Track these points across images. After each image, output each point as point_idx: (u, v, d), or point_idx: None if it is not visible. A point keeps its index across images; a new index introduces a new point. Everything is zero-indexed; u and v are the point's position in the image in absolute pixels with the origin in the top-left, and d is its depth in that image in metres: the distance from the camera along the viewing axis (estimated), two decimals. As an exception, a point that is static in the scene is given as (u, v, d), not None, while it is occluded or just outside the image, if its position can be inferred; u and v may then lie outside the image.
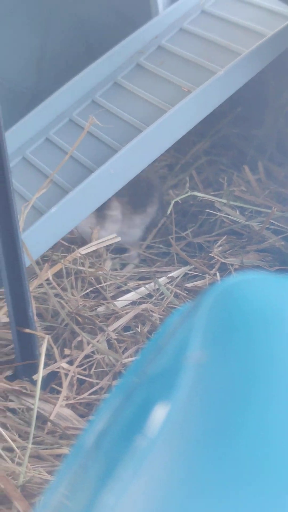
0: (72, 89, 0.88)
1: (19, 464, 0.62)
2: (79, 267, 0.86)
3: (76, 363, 0.73)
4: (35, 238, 0.75)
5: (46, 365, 0.74)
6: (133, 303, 0.83)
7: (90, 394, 0.71)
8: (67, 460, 0.39)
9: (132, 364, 0.44)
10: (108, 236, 0.89)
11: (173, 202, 0.89)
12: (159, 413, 0.36)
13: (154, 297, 0.83)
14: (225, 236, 0.89)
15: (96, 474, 0.36)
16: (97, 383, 0.72)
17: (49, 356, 0.77)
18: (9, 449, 0.64)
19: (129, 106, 0.84)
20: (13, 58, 1.11)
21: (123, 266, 0.93)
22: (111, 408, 0.40)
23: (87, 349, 0.74)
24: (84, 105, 0.88)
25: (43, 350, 0.68)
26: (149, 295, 0.84)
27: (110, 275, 0.87)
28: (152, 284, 0.85)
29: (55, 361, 0.75)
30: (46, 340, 0.70)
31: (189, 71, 0.85)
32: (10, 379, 0.74)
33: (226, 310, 0.41)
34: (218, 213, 0.91)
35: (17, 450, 0.63)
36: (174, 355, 0.41)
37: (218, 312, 0.42)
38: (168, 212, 0.89)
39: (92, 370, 0.74)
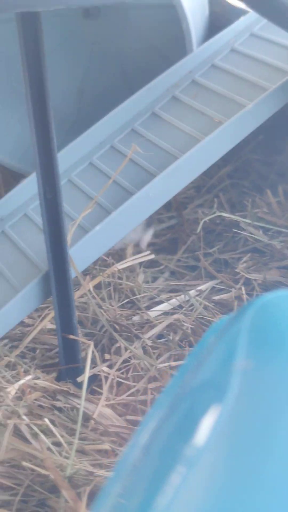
0: (113, 118, 0.90)
1: (66, 457, 0.64)
2: (116, 280, 0.88)
3: (116, 367, 0.74)
4: (81, 253, 0.77)
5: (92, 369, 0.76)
6: (165, 313, 0.85)
7: (127, 396, 0.73)
8: (119, 463, 0.39)
9: (175, 376, 0.44)
10: (142, 254, 0.91)
11: (202, 221, 0.91)
12: (207, 422, 0.36)
13: (184, 308, 0.85)
14: (249, 254, 0.91)
15: (147, 479, 0.36)
16: (134, 386, 0.74)
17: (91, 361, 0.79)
18: (57, 444, 0.66)
19: (166, 135, 0.86)
20: (58, 87, 1.14)
21: (154, 279, 0.95)
22: (157, 417, 0.40)
23: (125, 355, 0.76)
24: (124, 133, 0.90)
25: (89, 355, 0.70)
26: (180, 306, 0.86)
27: (144, 287, 0.89)
28: (182, 296, 0.86)
29: (95, 365, 0.77)
30: (91, 346, 0.72)
31: (220, 103, 0.86)
32: (55, 380, 0.77)
33: (267, 322, 0.42)
34: (243, 232, 0.93)
35: (65, 445, 0.65)
36: (218, 366, 0.42)
37: (260, 324, 0.43)
38: (198, 230, 0.91)
39: (129, 373, 0.76)
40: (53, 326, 0.85)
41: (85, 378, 0.68)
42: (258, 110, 0.82)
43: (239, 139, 0.82)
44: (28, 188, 0.88)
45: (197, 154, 0.80)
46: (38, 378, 0.72)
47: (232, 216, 0.92)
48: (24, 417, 0.65)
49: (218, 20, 1.00)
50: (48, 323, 0.84)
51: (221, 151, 0.81)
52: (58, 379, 0.77)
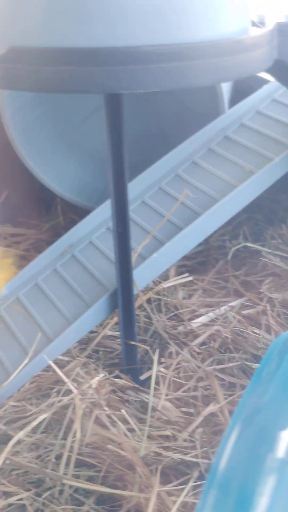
0: (161, 165, 0.96)
1: (138, 442, 0.70)
2: (161, 297, 0.94)
3: (171, 368, 0.80)
4: (141, 275, 0.82)
5: (147, 369, 0.82)
6: (204, 324, 0.90)
7: (181, 392, 0.78)
8: (211, 473, 0.37)
9: (246, 391, 0.42)
10: (182, 275, 0.97)
11: (232, 249, 0.97)
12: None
13: (219, 320, 0.90)
14: (270, 277, 0.96)
15: (238, 487, 0.34)
16: (186, 384, 0.79)
17: (144, 362, 0.84)
18: (130, 430, 0.71)
19: (205, 180, 0.92)
20: (100, 146, 1.19)
21: (190, 296, 1.01)
22: (237, 429, 0.38)
23: (178, 358, 0.81)
24: (170, 177, 0.96)
25: (156, 358, 0.75)
26: (216, 319, 0.91)
27: (184, 303, 0.95)
28: (217, 310, 0.92)
29: (150, 366, 0.82)
30: (157, 351, 0.77)
31: (250, 156, 0.92)
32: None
33: None
34: (264, 259, 0.99)
35: (138, 431, 0.70)
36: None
37: None
38: (229, 257, 0.97)
39: (181, 374, 0.81)
40: (113, 333, 0.90)
41: (152, 377, 0.73)
42: (283, 162, 0.88)
43: (267, 186, 0.88)
44: (92, 221, 0.94)
45: (235, 197, 0.86)
46: (111, 375, 0.77)
47: (256, 246, 0.98)
48: (106, 408, 0.70)
49: (242, 86, 1.06)
50: (108, 331, 0.89)
51: (253, 195, 0.87)
52: (119, 377, 0.82)
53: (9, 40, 0.57)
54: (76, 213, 1.17)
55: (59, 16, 0.55)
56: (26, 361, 0.79)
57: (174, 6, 0.54)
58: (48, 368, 0.80)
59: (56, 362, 0.79)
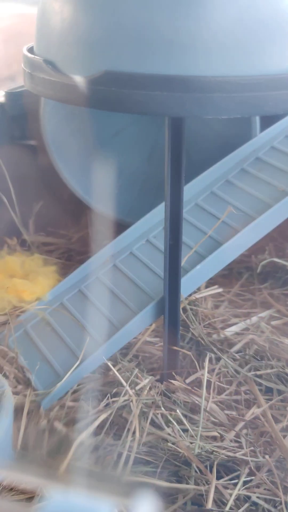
0: (196, 182, 1.00)
1: (191, 442, 0.73)
2: (193, 307, 0.98)
3: (215, 373, 0.84)
4: (185, 285, 0.86)
5: (187, 373, 0.85)
6: (237, 333, 0.94)
7: (225, 395, 0.82)
8: None
9: None
10: (212, 287, 1.01)
11: (261, 264, 1.01)
12: None
13: (250, 330, 0.95)
14: (295, 291, 1.02)
15: None
16: (228, 388, 0.83)
17: (182, 367, 0.88)
18: (183, 430, 0.74)
19: (240, 198, 0.96)
20: (133, 152, 1.23)
21: (217, 306, 1.05)
22: None
23: (220, 363, 0.85)
24: (205, 194, 1.00)
25: (206, 363, 0.79)
26: (247, 328, 0.95)
27: (215, 312, 0.99)
28: (248, 320, 0.96)
29: (188, 371, 0.86)
30: (208, 356, 0.81)
31: (281, 176, 0.97)
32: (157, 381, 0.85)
33: None
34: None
35: (191, 431, 0.74)
36: None
37: None
38: (258, 271, 1.01)
39: (222, 378, 0.85)
40: (151, 339, 0.94)
41: (204, 380, 0.77)
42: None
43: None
44: (133, 233, 0.98)
45: (272, 215, 0.90)
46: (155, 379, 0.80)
47: (282, 261, 1.03)
48: (162, 408, 0.74)
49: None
50: (147, 337, 0.93)
51: (286, 214, 0.92)
52: (160, 380, 0.86)
53: (101, 64, 0.61)
54: (104, 224, 1.20)
55: (151, 45, 0.59)
56: (77, 363, 0.82)
57: (258, 41, 0.58)
58: (94, 371, 0.82)
59: (101, 366, 0.82)
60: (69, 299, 0.93)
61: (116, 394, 0.79)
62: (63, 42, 0.63)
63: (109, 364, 0.80)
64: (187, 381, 0.82)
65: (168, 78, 0.59)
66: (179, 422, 0.74)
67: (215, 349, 0.89)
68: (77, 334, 0.87)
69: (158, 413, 0.74)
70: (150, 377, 0.81)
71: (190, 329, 0.93)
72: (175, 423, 0.73)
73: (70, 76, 0.63)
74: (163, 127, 1.21)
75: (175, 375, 0.82)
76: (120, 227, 1.15)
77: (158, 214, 0.99)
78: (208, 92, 0.58)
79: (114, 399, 0.77)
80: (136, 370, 0.79)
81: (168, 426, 0.74)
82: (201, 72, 0.58)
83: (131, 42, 0.59)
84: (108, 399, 0.77)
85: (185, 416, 0.77)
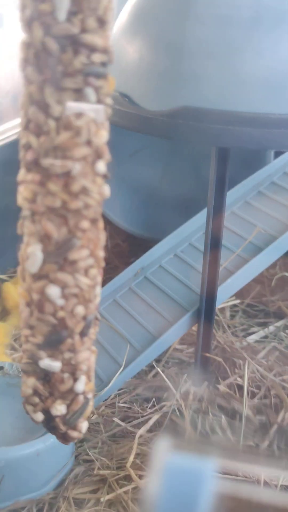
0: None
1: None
2: (217, 317, 1.04)
3: (246, 378, 0.90)
4: (219, 295, 0.92)
5: (218, 379, 0.91)
6: (257, 341, 1.01)
7: (256, 399, 0.88)
8: None
9: None
10: (230, 298, 1.08)
11: (275, 278, 1.08)
12: None
13: (269, 337, 1.01)
14: (305, 304, 1.09)
15: None
16: (257, 392, 0.89)
17: (211, 373, 0.94)
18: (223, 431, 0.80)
19: (260, 218, 1.04)
20: (146, 170, 1.28)
21: (232, 317, 1.11)
22: None
23: (250, 369, 0.92)
24: (226, 214, 1.06)
25: (246, 369, 0.85)
26: (265, 336, 1.02)
27: (234, 322, 1.05)
28: (266, 329, 1.03)
29: (217, 377, 0.92)
30: (247, 362, 0.87)
31: (297, 200, 1.05)
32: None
33: None
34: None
35: (230, 434, 0.79)
36: None
37: None
38: (273, 284, 1.08)
39: (251, 383, 0.91)
40: (179, 346, 0.99)
41: (245, 386, 0.83)
42: None
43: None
44: (161, 248, 1.03)
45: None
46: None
47: (290, 276, 1.10)
48: (211, 413, 0.79)
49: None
50: (176, 344, 0.98)
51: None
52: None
53: (177, 99, 0.67)
54: (122, 238, 1.25)
55: (228, 84, 0.65)
56: (121, 369, 0.86)
57: None
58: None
59: (140, 372, 0.87)
60: (105, 308, 0.98)
61: (159, 399, 0.84)
62: (142, 78, 0.68)
63: (161, 372, 0.85)
64: (221, 386, 0.88)
65: (239, 115, 0.65)
66: (222, 428, 0.80)
67: (241, 356, 0.96)
68: (117, 342, 0.92)
69: (206, 417, 0.80)
70: (189, 382, 0.87)
71: (216, 336, 0.99)
72: (218, 428, 0.79)
73: (144, 108, 0.69)
74: (176, 149, 1.28)
75: (220, 380, 0.88)
76: (139, 241, 1.20)
77: (185, 230, 1.05)
78: (274, 128, 0.65)
79: (163, 403, 0.82)
80: (185, 375, 0.85)
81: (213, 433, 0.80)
82: (271, 110, 0.65)
83: (210, 81, 0.66)
84: (154, 402, 0.82)
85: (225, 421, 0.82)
